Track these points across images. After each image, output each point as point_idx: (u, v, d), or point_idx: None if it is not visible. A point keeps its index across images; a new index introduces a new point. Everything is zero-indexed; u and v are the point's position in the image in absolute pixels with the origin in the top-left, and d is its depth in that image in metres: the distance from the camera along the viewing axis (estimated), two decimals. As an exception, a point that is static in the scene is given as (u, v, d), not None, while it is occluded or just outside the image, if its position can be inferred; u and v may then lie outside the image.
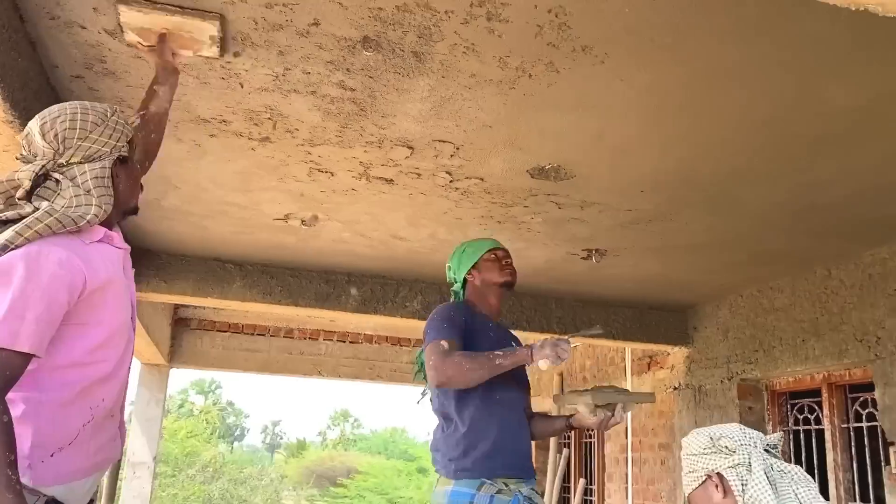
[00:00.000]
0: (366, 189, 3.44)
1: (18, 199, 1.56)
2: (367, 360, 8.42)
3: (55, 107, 1.66)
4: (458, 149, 2.97)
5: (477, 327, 2.58)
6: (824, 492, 4.44)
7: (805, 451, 4.71)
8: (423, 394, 2.82)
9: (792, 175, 3.08)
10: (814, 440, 4.64)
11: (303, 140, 2.95)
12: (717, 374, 5.27)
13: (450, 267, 2.79)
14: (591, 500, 7.08)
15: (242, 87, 2.54)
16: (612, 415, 2.61)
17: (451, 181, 3.30)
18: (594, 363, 7.11)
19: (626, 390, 2.69)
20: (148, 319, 5.95)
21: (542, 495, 6.75)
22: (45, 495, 1.48)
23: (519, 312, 5.28)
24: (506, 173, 3.20)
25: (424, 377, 2.78)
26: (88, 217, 1.59)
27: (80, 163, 1.62)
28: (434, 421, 2.68)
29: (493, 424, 2.50)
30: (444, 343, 2.42)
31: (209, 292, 4.71)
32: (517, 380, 2.61)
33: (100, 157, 1.65)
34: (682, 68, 2.32)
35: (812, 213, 3.48)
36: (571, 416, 2.73)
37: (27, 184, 1.56)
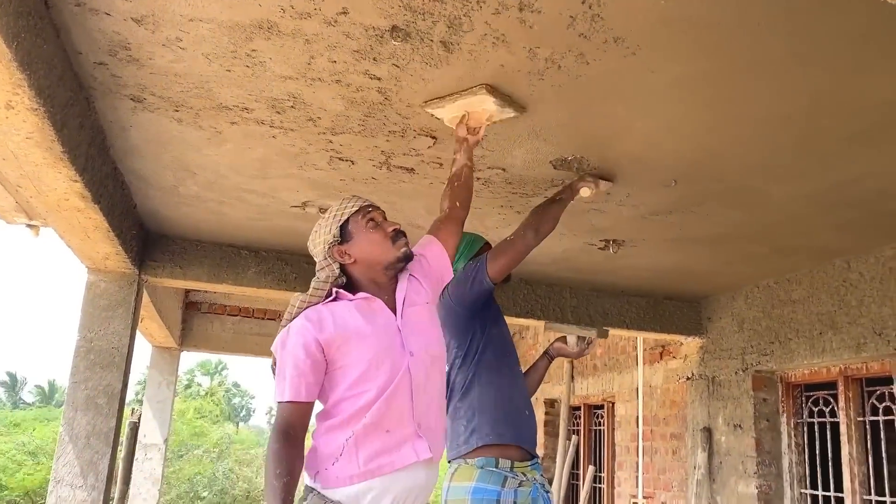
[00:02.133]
0: (386, 178, 3.41)
1: None
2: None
3: None
4: (482, 139, 2.93)
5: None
6: (839, 484, 4.44)
7: (819, 444, 4.70)
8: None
9: (821, 171, 3.04)
10: (828, 433, 4.63)
11: (324, 128, 2.92)
12: (731, 364, 5.26)
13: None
14: (600, 488, 7.10)
15: (266, 74, 2.51)
16: (588, 345, 3.02)
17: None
18: (605, 351, 7.10)
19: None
20: (160, 303, 5.96)
21: (551, 482, 6.78)
22: (331, 500, 1.91)
23: (533, 301, 5.27)
24: (528, 164, 3.17)
25: None
26: (311, 293, 2.10)
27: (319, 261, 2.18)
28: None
29: (512, 393, 2.68)
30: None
31: (224, 278, 4.70)
32: (516, 354, 2.86)
33: (319, 252, 2.18)
34: (714, 61, 2.28)
35: (839, 207, 3.45)
36: (547, 350, 3.06)
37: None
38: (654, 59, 2.29)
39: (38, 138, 2.49)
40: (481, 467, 2.49)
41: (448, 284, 2.76)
